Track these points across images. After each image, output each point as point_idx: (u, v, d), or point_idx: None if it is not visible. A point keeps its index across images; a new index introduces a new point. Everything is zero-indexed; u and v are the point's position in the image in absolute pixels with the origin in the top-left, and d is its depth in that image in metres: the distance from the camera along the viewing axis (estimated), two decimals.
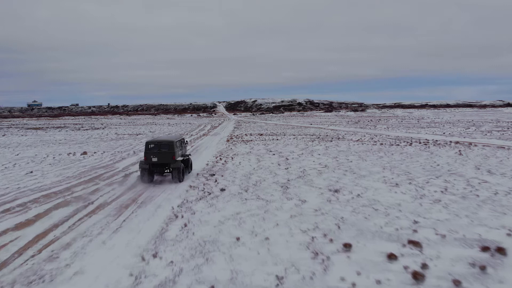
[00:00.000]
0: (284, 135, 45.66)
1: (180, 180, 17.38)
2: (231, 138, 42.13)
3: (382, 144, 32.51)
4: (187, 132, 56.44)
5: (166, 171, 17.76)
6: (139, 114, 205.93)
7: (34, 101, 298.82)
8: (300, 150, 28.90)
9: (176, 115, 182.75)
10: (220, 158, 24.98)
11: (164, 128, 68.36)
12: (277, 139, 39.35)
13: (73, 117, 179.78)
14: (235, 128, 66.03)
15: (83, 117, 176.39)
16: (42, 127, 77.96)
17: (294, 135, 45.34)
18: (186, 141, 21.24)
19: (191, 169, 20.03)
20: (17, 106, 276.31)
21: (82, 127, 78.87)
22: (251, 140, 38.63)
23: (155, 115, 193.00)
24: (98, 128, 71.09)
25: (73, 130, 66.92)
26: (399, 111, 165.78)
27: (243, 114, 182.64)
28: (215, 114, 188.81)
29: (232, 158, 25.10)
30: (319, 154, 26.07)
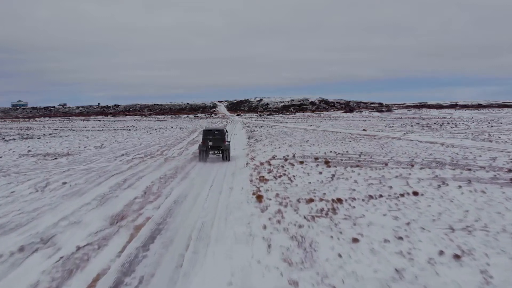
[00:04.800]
0: (385, 164, 19.11)
1: (228, 160, 21.90)
2: (261, 180, 15.60)
3: None
4: (163, 152, 30.25)
5: (216, 152, 22.29)
6: (128, 115, 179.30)
7: (19, 101, 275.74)
8: None
9: (169, 116, 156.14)
10: None
11: (134, 138, 41.95)
12: (406, 197, 12.86)
13: (48, 118, 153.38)
14: (249, 138, 39.54)
15: (60, 118, 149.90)
16: None
17: (404, 163, 18.89)
18: (227, 130, 25.81)
19: (230, 155, 22.73)
20: (0, 106, 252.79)
21: (19, 134, 52.59)
22: (338, 203, 11.96)
23: (145, 116, 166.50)
24: (29, 138, 44.77)
25: None
26: (435, 112, 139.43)
27: (247, 115, 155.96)
28: (216, 115, 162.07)
29: None
30: None
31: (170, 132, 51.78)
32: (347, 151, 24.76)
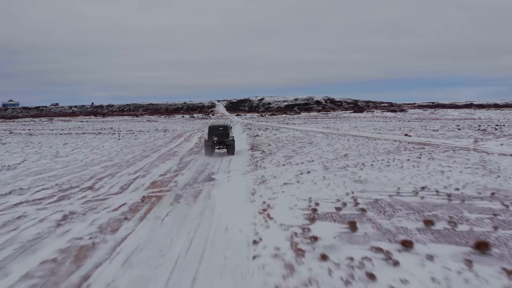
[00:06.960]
0: None
1: (233, 153, 23.25)
2: None
3: None
4: (98, 181, 17.83)
5: (221, 147, 23.71)
6: (121, 115, 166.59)
7: (10, 100, 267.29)
8: None
9: (163, 117, 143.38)
10: None
11: (87, 147, 29.55)
12: None
13: (30, 119, 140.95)
14: (253, 149, 26.97)
15: (43, 118, 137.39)
16: None
17: None
18: (231, 127, 26.29)
19: (234, 150, 24.18)
20: None
21: None
22: None
23: (137, 116, 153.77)
24: None
25: None
26: (454, 112, 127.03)
27: (248, 115, 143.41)
28: (213, 115, 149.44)
29: None
30: None
31: (145, 138, 39.16)
32: (457, 188, 12.24)
